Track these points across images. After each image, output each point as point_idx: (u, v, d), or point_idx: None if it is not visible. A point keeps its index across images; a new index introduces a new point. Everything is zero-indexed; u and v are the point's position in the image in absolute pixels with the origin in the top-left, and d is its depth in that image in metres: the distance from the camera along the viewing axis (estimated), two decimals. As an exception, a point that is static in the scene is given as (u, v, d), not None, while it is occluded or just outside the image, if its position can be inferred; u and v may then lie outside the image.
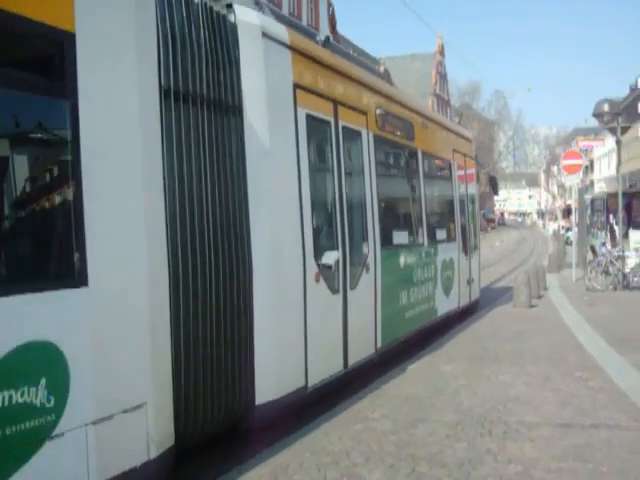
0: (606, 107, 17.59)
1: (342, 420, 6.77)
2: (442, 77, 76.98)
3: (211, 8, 6.12)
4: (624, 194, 49.17)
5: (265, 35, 6.55)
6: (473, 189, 15.64)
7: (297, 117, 7.05)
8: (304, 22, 38.71)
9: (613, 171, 65.41)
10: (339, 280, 7.84)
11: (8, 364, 3.78)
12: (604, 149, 65.17)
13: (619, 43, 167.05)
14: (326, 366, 7.60)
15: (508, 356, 9.82)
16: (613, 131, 18.35)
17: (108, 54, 4.63)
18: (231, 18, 6.36)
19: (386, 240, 9.52)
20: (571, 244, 41.15)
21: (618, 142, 18.15)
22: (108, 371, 4.46)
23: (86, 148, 4.33)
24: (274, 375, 6.48)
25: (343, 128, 8.21)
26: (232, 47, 6.26)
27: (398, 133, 10.77)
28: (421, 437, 6.18)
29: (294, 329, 6.87)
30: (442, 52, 76.72)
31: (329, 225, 8.02)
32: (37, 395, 3.93)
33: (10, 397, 3.78)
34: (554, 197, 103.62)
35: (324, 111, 7.77)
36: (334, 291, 7.75)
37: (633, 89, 53.76)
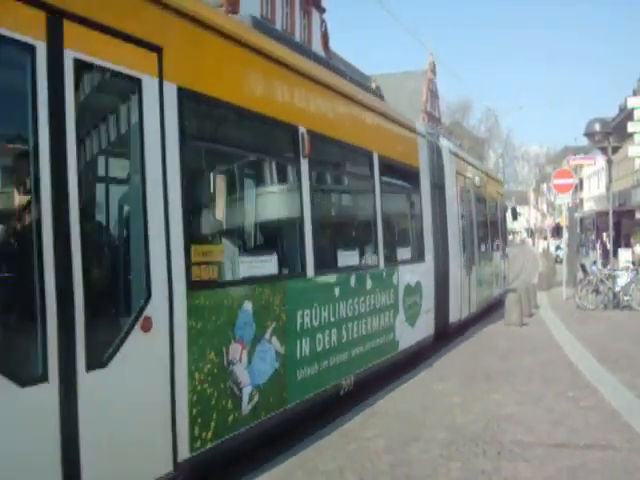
0: (597, 127, 17.69)
1: (334, 439, 6.71)
2: (433, 94, 77.30)
3: None
4: (613, 213, 49.54)
5: None
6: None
7: None
8: (297, 38, 38.84)
9: (602, 190, 65.81)
10: None
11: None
12: (593, 168, 65.60)
13: (610, 63, 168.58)
14: None
15: (500, 375, 9.79)
16: (604, 150, 18.44)
17: None
18: None
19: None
20: (561, 262, 41.47)
21: (609, 161, 18.25)
22: None
23: None
24: None
25: None
26: None
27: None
28: (415, 456, 6.13)
29: None
30: (433, 70, 77.09)
31: None
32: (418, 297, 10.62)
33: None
34: (543, 215, 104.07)
35: None
36: None
37: (622, 109, 54.05)
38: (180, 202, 5.13)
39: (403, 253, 10.63)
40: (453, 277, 13.32)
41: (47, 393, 3.93)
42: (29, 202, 4.10)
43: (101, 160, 5.46)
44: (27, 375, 3.91)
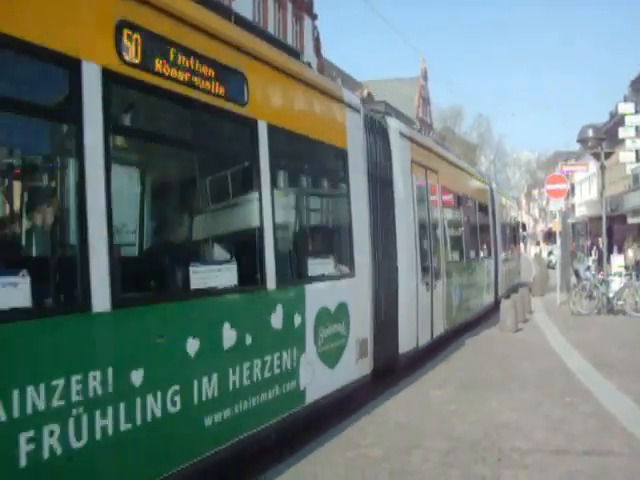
0: (590, 132, 17.75)
1: (333, 447, 6.69)
2: (425, 101, 77.57)
3: None
4: (606, 218, 49.64)
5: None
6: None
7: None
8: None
9: (594, 195, 66.04)
10: None
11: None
12: (585, 174, 65.81)
13: (601, 69, 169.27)
14: None
15: (497, 381, 9.78)
16: (597, 156, 18.50)
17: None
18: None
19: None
20: (554, 268, 41.50)
21: (602, 167, 18.29)
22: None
23: None
24: None
25: None
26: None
27: None
28: (415, 464, 6.12)
29: None
30: (425, 76, 77.37)
31: None
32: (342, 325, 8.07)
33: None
34: (535, 221, 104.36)
35: None
36: None
37: (613, 115, 54.31)
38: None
39: (316, 266, 7.62)
40: (405, 294, 10.47)
41: None
42: None
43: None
44: None
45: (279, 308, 6.62)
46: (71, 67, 4.35)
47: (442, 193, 13.67)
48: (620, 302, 17.90)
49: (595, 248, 31.85)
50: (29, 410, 3.85)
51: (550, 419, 7.62)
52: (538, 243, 76.66)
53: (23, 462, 3.81)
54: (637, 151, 47.99)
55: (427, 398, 8.83)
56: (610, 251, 30.55)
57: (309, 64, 8.81)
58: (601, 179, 18.94)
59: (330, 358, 7.76)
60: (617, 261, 22.17)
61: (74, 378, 4.15)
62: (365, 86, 58.12)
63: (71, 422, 4.12)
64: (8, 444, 3.76)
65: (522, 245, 34.81)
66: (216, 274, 5.73)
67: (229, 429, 5.73)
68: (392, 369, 10.04)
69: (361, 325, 8.67)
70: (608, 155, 18.61)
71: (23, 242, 5.19)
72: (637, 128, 47.61)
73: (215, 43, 5.87)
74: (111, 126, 4.66)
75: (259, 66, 6.57)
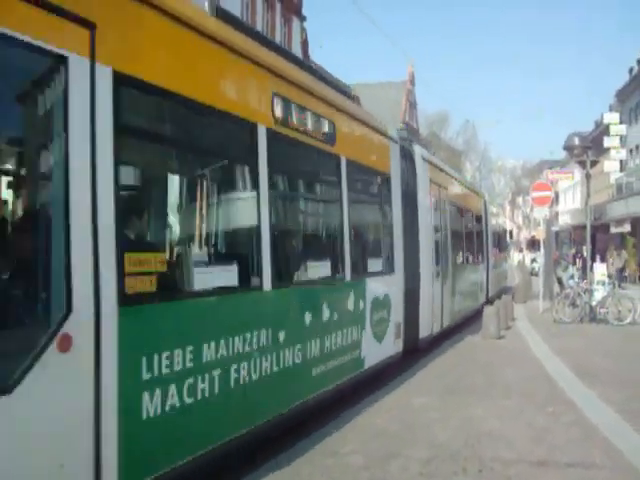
0: (577, 141, 17.76)
1: (312, 455, 6.55)
2: (412, 105, 77.65)
3: None
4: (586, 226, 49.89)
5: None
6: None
7: None
8: (277, 47, 38.76)
9: (577, 204, 66.42)
10: None
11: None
12: (570, 182, 66.12)
13: (586, 78, 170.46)
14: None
15: (480, 389, 9.70)
16: (582, 165, 18.50)
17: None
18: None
19: None
20: (537, 275, 41.62)
21: (588, 176, 18.30)
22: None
23: None
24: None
25: None
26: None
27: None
28: (394, 474, 5.99)
29: None
30: (412, 81, 77.48)
31: None
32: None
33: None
34: (519, 228, 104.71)
35: None
36: None
37: (598, 124, 54.64)
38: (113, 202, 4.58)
39: (372, 264, 9.97)
40: (425, 290, 12.59)
41: None
42: None
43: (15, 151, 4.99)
44: None
45: (352, 295, 8.84)
46: (252, 129, 6.49)
47: (450, 205, 16.07)
48: (603, 310, 17.89)
49: (579, 256, 31.93)
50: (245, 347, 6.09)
51: (533, 428, 7.53)
52: (521, 250, 76.84)
53: (232, 384, 5.86)
54: (621, 161, 48.36)
55: (409, 404, 8.72)
56: (593, 260, 30.69)
57: (358, 99, 11.30)
58: (586, 188, 18.93)
59: (379, 336, 9.98)
60: (600, 270, 22.22)
61: (258, 330, 6.31)
62: (353, 89, 58.08)
63: (251, 361, 6.19)
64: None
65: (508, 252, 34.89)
66: (320, 269, 8.09)
67: (325, 379, 7.97)
68: (415, 349, 12.18)
69: (397, 313, 10.87)
70: (593, 164, 18.61)
71: (233, 245, 7.11)
72: (622, 138, 48.03)
73: (321, 103, 8.25)
74: (272, 168, 6.77)
75: (341, 115, 8.90)
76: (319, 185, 9.42)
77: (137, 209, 5.58)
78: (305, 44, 41.96)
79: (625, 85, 51.83)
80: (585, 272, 20.16)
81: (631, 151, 50.01)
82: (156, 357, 4.88)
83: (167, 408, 4.98)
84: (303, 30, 41.52)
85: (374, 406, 8.61)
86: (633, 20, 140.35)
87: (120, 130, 4.65)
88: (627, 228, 34.71)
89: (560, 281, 21.92)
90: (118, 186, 4.67)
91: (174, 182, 6.85)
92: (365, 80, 68.20)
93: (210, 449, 5.54)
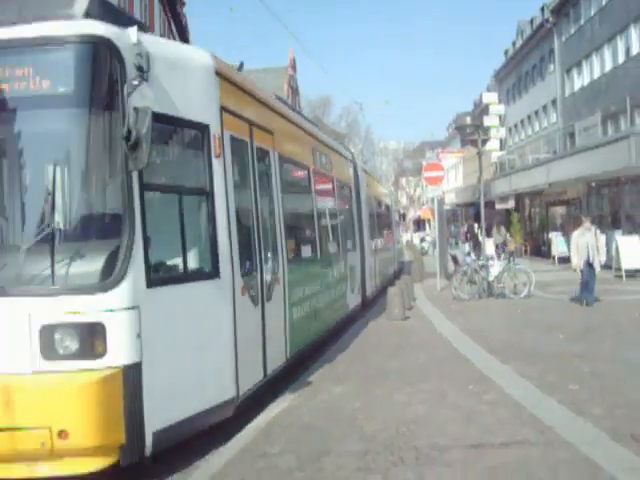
0: (468, 120, 18.03)
1: (240, 457, 6.13)
2: (294, 91, 77.56)
3: None
4: (472, 204, 51.40)
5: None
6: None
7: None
8: (157, 33, 37.60)
9: (460, 183, 68.37)
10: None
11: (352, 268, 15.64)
12: (452, 162, 68.02)
13: (462, 61, 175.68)
14: None
15: (396, 373, 9.51)
16: (473, 143, 18.79)
17: None
18: None
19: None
20: (426, 254, 42.50)
21: (479, 154, 18.60)
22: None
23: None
24: None
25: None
26: None
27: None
28: (330, 472, 5.66)
29: None
30: (294, 66, 77.45)
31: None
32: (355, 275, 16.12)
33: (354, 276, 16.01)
34: (405, 209, 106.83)
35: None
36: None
37: (477, 104, 56.28)
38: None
39: (349, 244, 15.42)
40: (368, 262, 17.80)
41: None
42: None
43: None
44: None
45: (344, 263, 14.46)
46: (308, 169, 11.95)
47: (374, 198, 21.94)
48: (500, 285, 18.28)
49: (470, 234, 32.72)
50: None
51: (459, 410, 7.40)
52: (407, 230, 78.47)
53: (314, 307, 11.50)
54: (500, 140, 50.02)
55: (329, 395, 8.40)
56: (488, 236, 31.54)
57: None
58: (479, 166, 19.24)
59: (353, 291, 15.46)
60: (490, 246, 22.80)
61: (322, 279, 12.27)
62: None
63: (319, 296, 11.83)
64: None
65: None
66: (331, 246, 13.42)
67: (337, 313, 13.60)
68: (365, 304, 17.19)
69: (359, 277, 16.41)
70: (484, 142, 18.92)
71: (313, 238, 11.93)
72: (500, 117, 49.61)
73: (327, 148, 14.19)
74: (316, 190, 12.32)
75: (334, 153, 14.92)
76: (329, 197, 13.92)
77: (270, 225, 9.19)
78: (184, 30, 40.89)
79: (502, 66, 53.60)
80: (479, 249, 20.54)
81: (510, 130, 51.83)
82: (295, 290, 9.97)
83: (295, 317, 9.93)
84: (183, 17, 40.44)
85: (294, 398, 8.23)
86: (509, 4, 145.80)
87: (280, 179, 9.73)
88: (511, 204, 35.87)
89: (455, 259, 22.26)
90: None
91: (285, 197, 9.90)
92: (246, 66, 67.54)
93: (309, 341, 10.91)
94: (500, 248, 28.44)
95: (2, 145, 6.40)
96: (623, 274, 21.70)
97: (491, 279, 18.39)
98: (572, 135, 36.95)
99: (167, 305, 6.23)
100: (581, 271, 16.01)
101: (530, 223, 41.22)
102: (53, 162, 5.77)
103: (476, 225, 32.37)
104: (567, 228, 32.30)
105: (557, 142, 39.50)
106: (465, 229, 35.54)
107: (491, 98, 51.43)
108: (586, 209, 30.94)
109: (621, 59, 31.81)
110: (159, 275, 6.24)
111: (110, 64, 5.95)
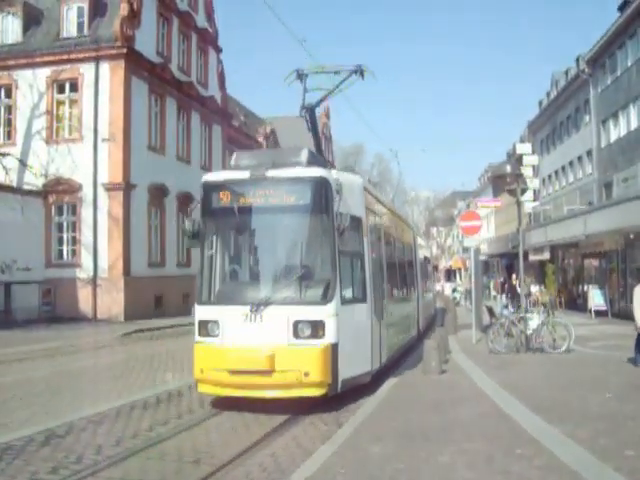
0: (508, 168, 17.69)
1: None
2: (327, 139, 78.12)
3: None
4: (504, 255, 50.66)
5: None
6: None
7: None
8: (193, 77, 38.07)
9: (492, 233, 67.71)
10: None
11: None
12: (482, 212, 67.45)
13: (495, 113, 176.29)
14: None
15: (437, 431, 9.02)
16: (512, 192, 18.43)
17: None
18: None
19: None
20: (458, 304, 41.83)
21: (518, 203, 18.22)
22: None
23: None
24: None
25: None
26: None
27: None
28: None
29: None
30: (327, 114, 78.23)
31: None
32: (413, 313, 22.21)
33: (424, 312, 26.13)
34: (436, 259, 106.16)
35: None
36: None
37: (510, 155, 55.99)
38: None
39: (412, 289, 21.56)
40: (420, 302, 23.81)
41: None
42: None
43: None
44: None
45: (411, 300, 20.77)
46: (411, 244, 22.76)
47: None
48: (539, 340, 17.67)
49: (508, 285, 32.09)
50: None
51: (510, 476, 6.89)
52: (439, 280, 77.77)
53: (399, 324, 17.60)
54: (534, 190, 49.53)
55: (367, 454, 7.93)
56: (514, 288, 30.89)
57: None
58: (517, 215, 18.83)
59: (415, 322, 21.11)
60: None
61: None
62: (268, 123, 57.71)
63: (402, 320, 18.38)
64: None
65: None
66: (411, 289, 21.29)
67: (407, 336, 19.00)
68: (419, 335, 21.59)
69: (416, 314, 21.62)
70: (523, 191, 18.54)
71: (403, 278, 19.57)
72: (534, 168, 49.25)
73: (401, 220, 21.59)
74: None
75: (404, 221, 23.20)
76: (404, 254, 19.75)
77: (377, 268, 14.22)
78: (222, 75, 41.33)
79: (536, 117, 53.36)
80: (517, 300, 19.97)
81: (543, 180, 51.36)
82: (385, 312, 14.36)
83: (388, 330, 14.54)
84: (220, 62, 40.92)
85: (329, 459, 7.78)
86: (544, 53, 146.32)
87: (385, 245, 15.51)
88: (547, 256, 35.26)
89: (491, 310, 21.67)
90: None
91: (387, 256, 15.92)
92: (282, 114, 68.18)
93: (396, 348, 15.76)
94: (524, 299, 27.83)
95: (279, 225, 12.07)
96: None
97: (529, 332, 17.79)
98: (608, 186, 36.42)
99: (347, 314, 11.54)
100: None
101: (565, 275, 40.46)
102: (302, 236, 11.63)
103: (514, 276, 31.73)
104: (604, 281, 31.59)
105: (594, 193, 38.95)
106: (502, 280, 34.89)
107: (525, 149, 51.17)
108: (624, 261, 30.26)
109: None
110: (344, 299, 11.61)
111: (326, 189, 11.47)
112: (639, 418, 9.59)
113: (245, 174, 11.62)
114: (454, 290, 48.36)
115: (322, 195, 11.38)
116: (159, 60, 34.14)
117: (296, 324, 10.78)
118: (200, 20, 39.38)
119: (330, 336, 10.88)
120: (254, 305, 10.90)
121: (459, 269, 72.39)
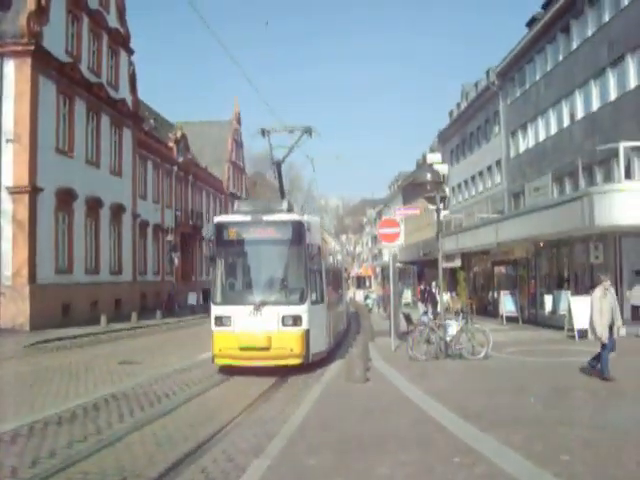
0: (429, 176, 17.74)
1: None
2: (238, 145, 77.50)
3: None
4: (415, 262, 51.38)
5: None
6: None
7: None
8: (104, 79, 36.90)
9: (401, 241, 68.50)
10: None
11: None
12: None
13: (404, 122, 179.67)
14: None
15: (373, 442, 8.79)
16: (431, 200, 18.51)
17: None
18: None
19: None
20: (370, 311, 42.07)
21: (437, 210, 18.32)
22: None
23: None
24: None
25: None
26: None
27: None
28: None
29: None
30: (239, 120, 77.55)
31: None
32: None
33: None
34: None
35: None
36: None
37: (419, 164, 56.90)
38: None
39: (339, 290, 26.59)
40: (344, 301, 29.40)
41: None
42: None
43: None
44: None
45: (343, 299, 28.84)
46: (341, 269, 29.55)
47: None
48: (459, 346, 17.75)
49: (427, 292, 32.42)
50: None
51: (453, 487, 6.73)
52: (349, 287, 78.30)
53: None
54: (444, 199, 50.44)
55: (303, 468, 7.62)
56: (433, 295, 31.23)
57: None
58: (436, 222, 18.94)
59: (345, 315, 28.87)
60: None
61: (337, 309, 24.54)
62: (179, 127, 56.74)
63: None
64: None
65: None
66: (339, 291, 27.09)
67: (341, 326, 25.33)
68: (347, 328, 28.04)
69: (345, 310, 29.13)
70: (441, 199, 18.66)
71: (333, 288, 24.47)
72: (443, 177, 50.13)
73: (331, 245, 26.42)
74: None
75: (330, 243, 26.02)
76: (331, 263, 22.89)
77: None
78: (133, 78, 40.26)
79: (446, 127, 54.43)
80: (436, 307, 20.07)
81: (453, 189, 52.43)
82: (332, 310, 20.33)
83: (333, 321, 20.16)
84: (131, 64, 39.86)
85: (266, 470, 7.43)
86: (453, 68, 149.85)
87: (325, 261, 20.32)
88: (458, 263, 35.81)
89: (408, 318, 21.70)
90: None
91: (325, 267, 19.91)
92: (192, 118, 67.26)
93: (337, 332, 22.20)
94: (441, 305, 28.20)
95: (270, 252, 17.02)
96: (575, 334, 21.59)
97: (449, 339, 17.87)
98: (517, 195, 37.39)
99: (314, 311, 16.75)
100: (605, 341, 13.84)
101: (475, 282, 41.28)
102: (285, 259, 16.91)
103: (434, 284, 32.09)
104: (513, 287, 32.37)
105: (504, 202, 39.94)
106: (423, 287, 35.28)
107: (435, 158, 52.12)
108: (533, 269, 31.05)
109: (566, 122, 32.50)
110: (312, 301, 16.72)
111: (301, 228, 16.73)
112: (567, 423, 9.69)
113: (247, 217, 16.99)
114: (366, 297, 48.62)
115: (298, 232, 16.71)
116: (68, 59, 32.81)
117: (283, 317, 16.07)
118: (111, 20, 38.20)
119: (304, 325, 16.21)
120: (255, 305, 16.08)
121: (369, 277, 72.92)
